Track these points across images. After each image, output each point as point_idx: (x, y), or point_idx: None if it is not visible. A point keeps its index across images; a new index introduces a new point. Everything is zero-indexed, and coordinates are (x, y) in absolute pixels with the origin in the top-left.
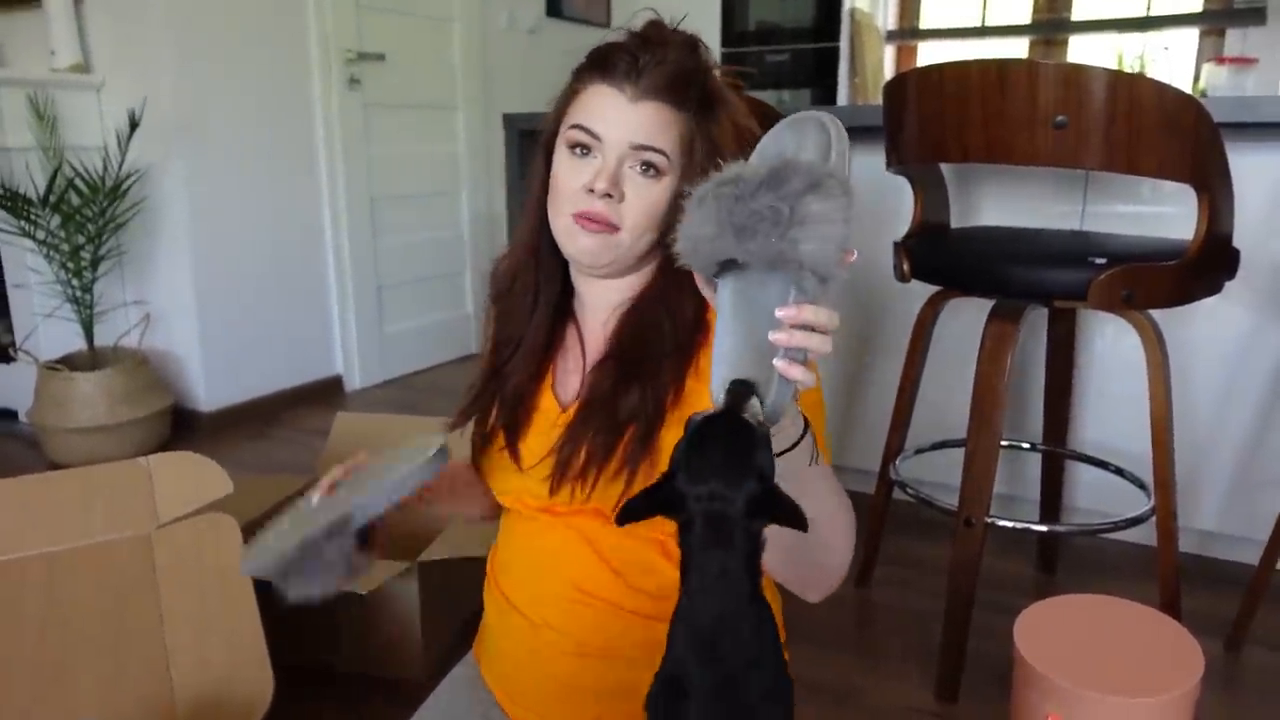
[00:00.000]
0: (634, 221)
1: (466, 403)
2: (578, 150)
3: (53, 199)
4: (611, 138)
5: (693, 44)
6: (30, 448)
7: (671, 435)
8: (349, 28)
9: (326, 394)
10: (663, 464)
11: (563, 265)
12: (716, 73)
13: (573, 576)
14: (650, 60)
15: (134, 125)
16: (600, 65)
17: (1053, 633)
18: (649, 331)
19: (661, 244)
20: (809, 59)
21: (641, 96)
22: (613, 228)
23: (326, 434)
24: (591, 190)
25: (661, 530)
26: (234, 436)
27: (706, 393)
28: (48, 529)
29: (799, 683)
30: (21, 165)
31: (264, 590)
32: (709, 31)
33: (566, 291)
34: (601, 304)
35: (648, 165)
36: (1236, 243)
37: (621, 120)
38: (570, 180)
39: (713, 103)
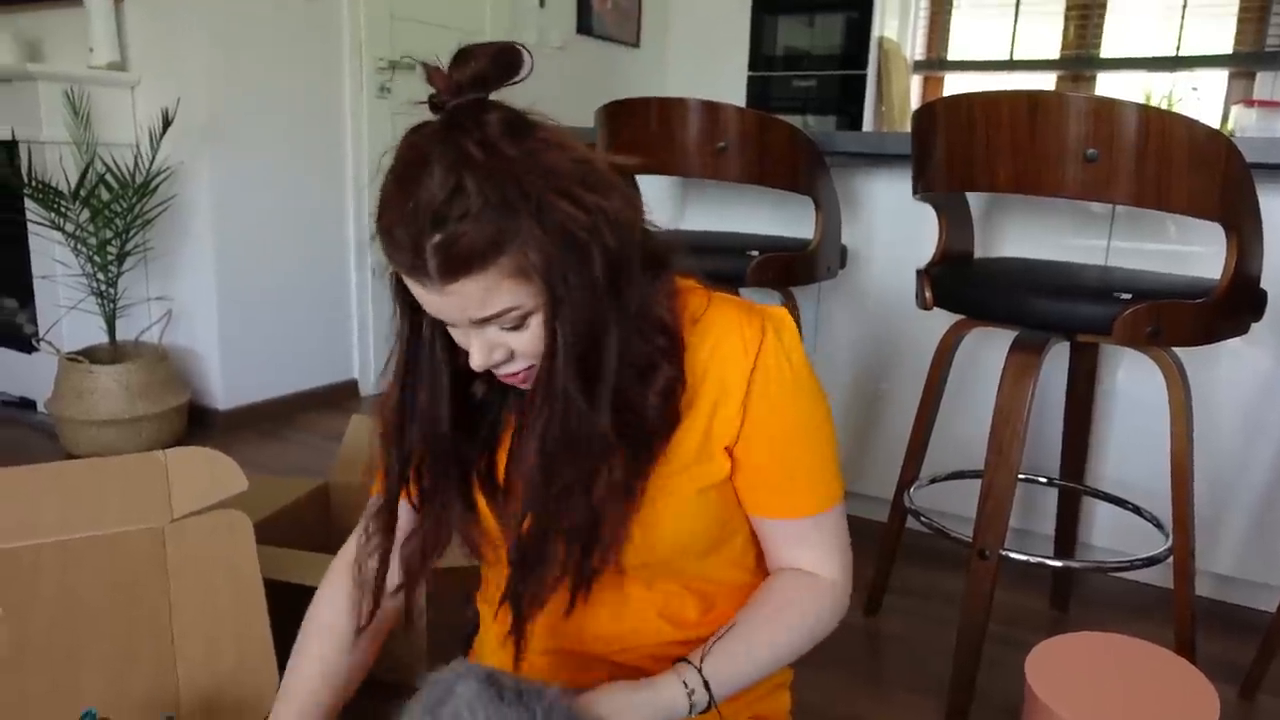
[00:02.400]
0: (532, 358)
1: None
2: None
3: (83, 193)
4: (452, 320)
5: (457, 155)
6: (48, 438)
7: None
8: (382, 36)
9: (341, 397)
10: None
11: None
12: (508, 144)
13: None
14: (424, 239)
15: (167, 124)
16: (398, 261)
17: (1066, 669)
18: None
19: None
20: (836, 86)
21: (445, 285)
22: (530, 371)
23: (340, 438)
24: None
25: (665, 587)
26: (248, 436)
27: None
28: (62, 517)
29: (806, 710)
30: (55, 158)
31: (273, 589)
32: (737, 56)
33: None
34: None
35: (510, 325)
36: (1264, 284)
37: (446, 309)
38: (460, 341)
39: (520, 211)
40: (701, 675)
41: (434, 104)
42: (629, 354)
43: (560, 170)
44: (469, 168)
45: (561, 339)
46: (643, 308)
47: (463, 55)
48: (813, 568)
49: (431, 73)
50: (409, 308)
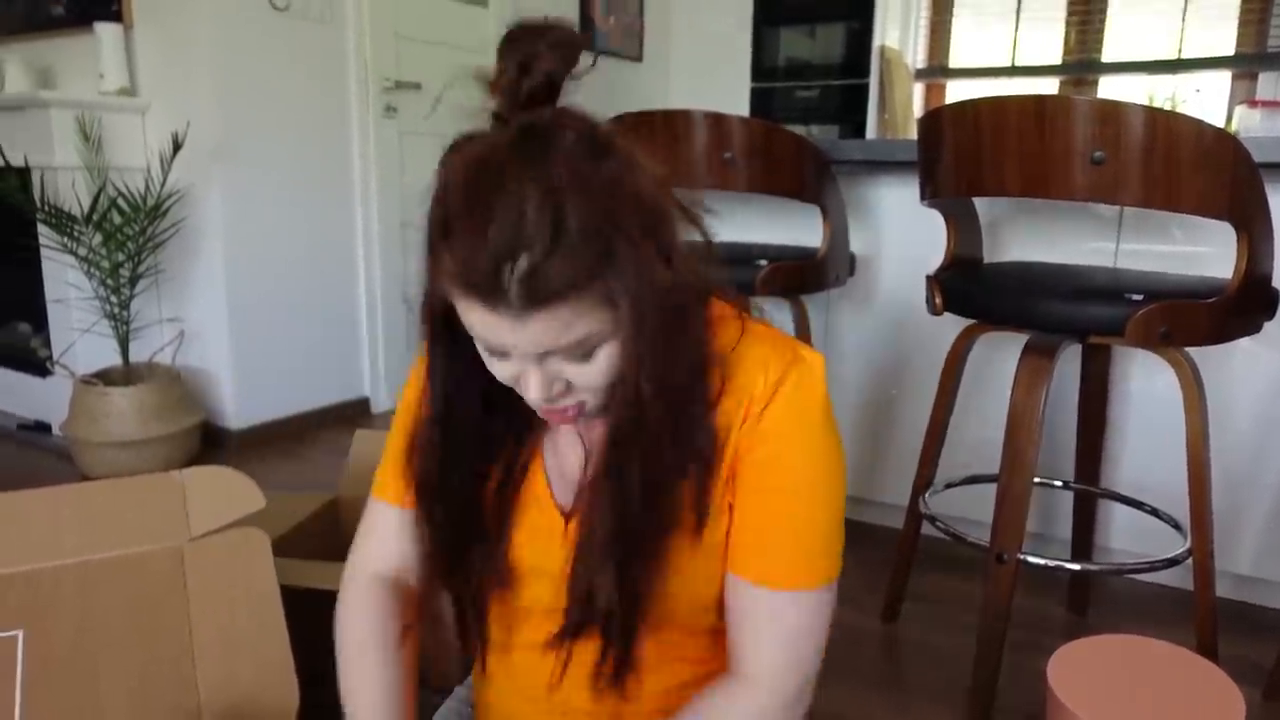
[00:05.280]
0: (596, 394)
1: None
2: (489, 350)
3: (95, 217)
4: (518, 353)
5: (585, 199)
6: (63, 460)
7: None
8: (388, 57)
9: (353, 415)
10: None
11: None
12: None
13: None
14: (509, 267)
15: (177, 147)
16: (474, 285)
17: (1088, 673)
18: (645, 436)
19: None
20: (838, 95)
21: (531, 313)
22: (581, 408)
23: None
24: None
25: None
26: (261, 454)
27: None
28: (82, 538)
29: (822, 718)
30: (68, 183)
31: (292, 603)
32: (740, 67)
33: None
34: None
35: (577, 356)
36: (1276, 283)
37: (518, 341)
38: (498, 371)
39: (614, 240)
40: None
41: (500, 117)
42: (694, 386)
43: (645, 196)
44: (559, 194)
45: (647, 368)
46: (699, 340)
47: (527, 60)
48: (749, 655)
49: (493, 85)
50: (447, 340)
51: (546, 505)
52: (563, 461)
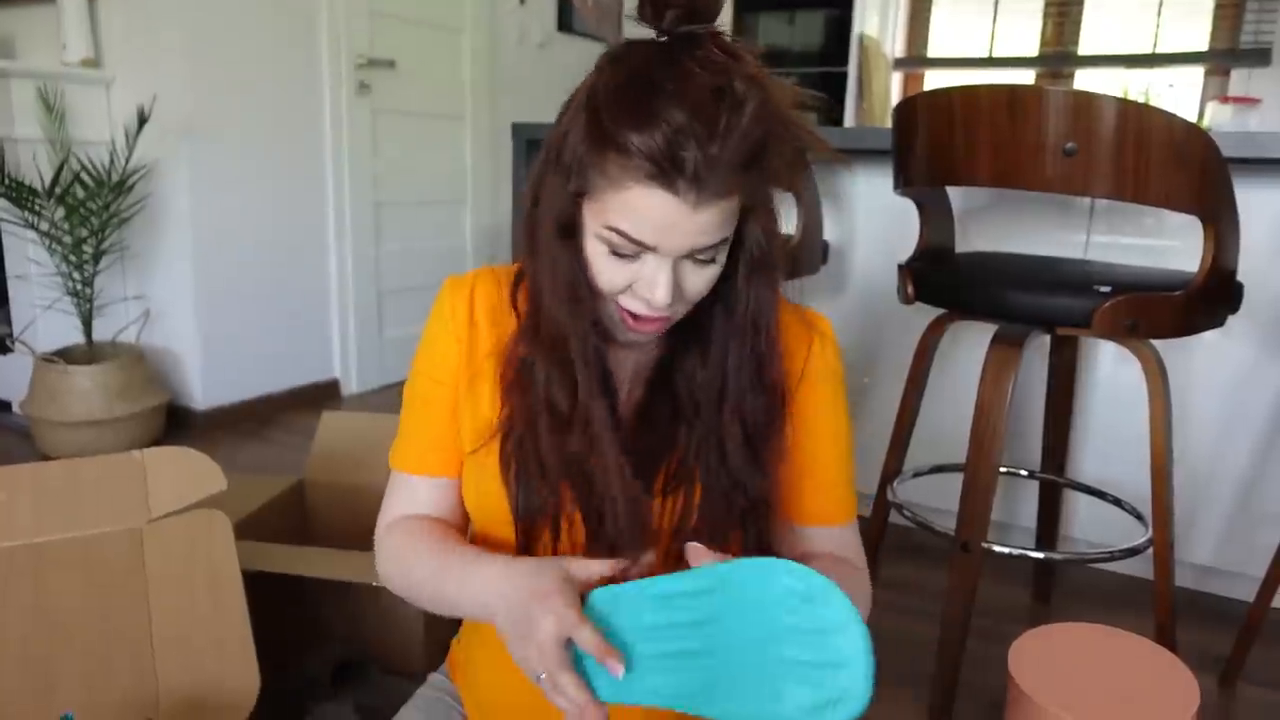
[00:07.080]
0: (689, 303)
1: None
2: (617, 254)
3: (58, 191)
4: (668, 247)
5: (762, 102)
6: (23, 440)
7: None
8: (361, 33)
9: (323, 397)
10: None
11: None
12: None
13: None
14: (721, 150)
15: (142, 121)
16: (662, 168)
17: (1048, 661)
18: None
19: None
20: (816, 83)
21: (707, 201)
22: (669, 319)
23: None
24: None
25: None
26: (228, 436)
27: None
28: (37, 519)
29: None
30: (29, 156)
31: (253, 587)
32: None
33: None
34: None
35: (708, 258)
36: (1240, 277)
37: (682, 230)
38: (610, 277)
39: (769, 152)
40: None
41: (673, 28)
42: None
43: (796, 127)
44: (766, 92)
45: (746, 271)
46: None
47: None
48: (836, 552)
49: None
50: (566, 234)
51: None
52: None
